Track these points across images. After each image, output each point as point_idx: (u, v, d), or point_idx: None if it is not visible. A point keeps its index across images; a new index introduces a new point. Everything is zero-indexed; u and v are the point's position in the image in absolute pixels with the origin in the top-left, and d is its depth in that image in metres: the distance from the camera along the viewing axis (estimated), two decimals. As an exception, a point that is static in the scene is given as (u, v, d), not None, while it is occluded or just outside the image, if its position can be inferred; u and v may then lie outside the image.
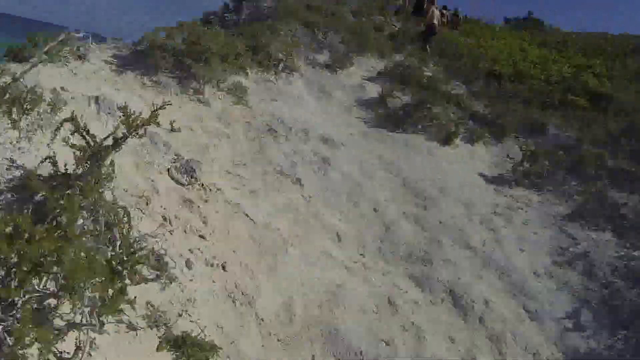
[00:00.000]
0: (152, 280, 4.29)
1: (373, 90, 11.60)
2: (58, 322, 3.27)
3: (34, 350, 2.96)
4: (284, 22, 12.35)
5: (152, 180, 5.72)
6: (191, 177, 6.13)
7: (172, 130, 6.81)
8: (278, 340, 5.11)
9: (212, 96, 8.55)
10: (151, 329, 4.11)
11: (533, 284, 7.17)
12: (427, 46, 14.97)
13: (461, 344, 5.87)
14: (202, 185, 6.22)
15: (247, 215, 6.26)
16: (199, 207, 5.82)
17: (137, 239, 4.24)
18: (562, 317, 6.69)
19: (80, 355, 3.20)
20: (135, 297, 3.62)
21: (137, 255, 3.75)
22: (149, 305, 4.25)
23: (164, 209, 5.43)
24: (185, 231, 5.38)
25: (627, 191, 9.36)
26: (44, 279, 3.11)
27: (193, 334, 4.16)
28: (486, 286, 6.90)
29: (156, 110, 4.04)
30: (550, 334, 6.41)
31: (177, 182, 6.04)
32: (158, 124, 4.12)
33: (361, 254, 6.87)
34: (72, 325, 3.20)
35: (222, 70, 8.96)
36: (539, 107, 12.13)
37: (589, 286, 7.23)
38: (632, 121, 11.28)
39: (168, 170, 6.11)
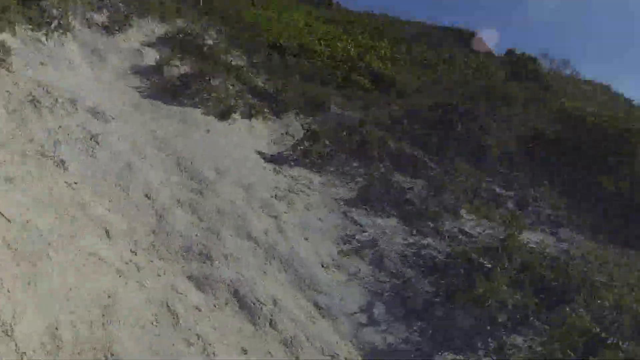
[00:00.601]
0: None
1: (151, 57, 11.39)
2: None
3: None
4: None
5: None
6: None
7: None
8: (45, 378, 4.36)
9: (-31, 57, 7.67)
10: None
11: (321, 276, 7.20)
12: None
13: (254, 353, 5.54)
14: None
15: (1, 213, 5.40)
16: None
17: None
18: (355, 311, 6.79)
19: None
20: None
21: None
22: None
23: None
24: None
25: (410, 175, 10.04)
26: None
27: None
28: (272, 282, 6.73)
29: None
30: (345, 332, 6.44)
31: None
32: None
33: (133, 252, 6.30)
34: None
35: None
36: (321, 84, 12.72)
37: (379, 277, 7.49)
38: (414, 105, 12.27)
39: None
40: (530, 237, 8.45)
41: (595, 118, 11.44)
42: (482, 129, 11.37)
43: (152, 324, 5.29)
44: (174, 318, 5.47)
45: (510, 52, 16.14)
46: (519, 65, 15.05)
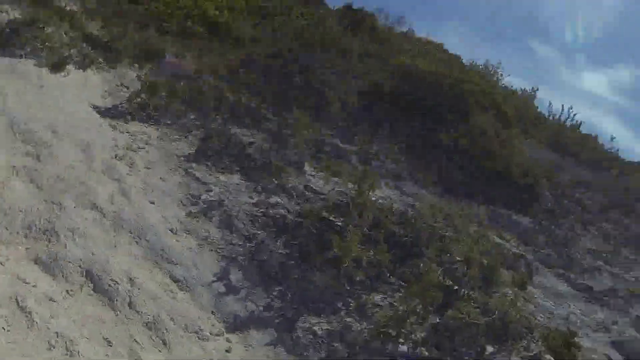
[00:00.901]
0: None
1: (-24, 2, 9.98)
2: None
3: None
4: None
5: None
6: None
7: None
8: None
9: None
10: None
11: (172, 244, 6.85)
12: None
13: (120, 343, 5.12)
14: None
15: None
16: None
17: None
18: (212, 280, 6.56)
19: None
20: None
21: None
22: None
23: None
24: None
25: (249, 128, 9.80)
26: None
27: None
28: (125, 257, 6.28)
29: None
30: (205, 303, 6.21)
31: None
32: None
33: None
34: None
35: None
36: (157, 32, 12.10)
37: (231, 240, 7.27)
38: (250, 54, 12.02)
39: None
40: (377, 193, 8.67)
41: (432, 75, 11.91)
42: (322, 81, 11.36)
43: (5, 329, 4.63)
44: (27, 316, 4.85)
45: (348, 7, 16.15)
46: (356, 20, 15.15)
